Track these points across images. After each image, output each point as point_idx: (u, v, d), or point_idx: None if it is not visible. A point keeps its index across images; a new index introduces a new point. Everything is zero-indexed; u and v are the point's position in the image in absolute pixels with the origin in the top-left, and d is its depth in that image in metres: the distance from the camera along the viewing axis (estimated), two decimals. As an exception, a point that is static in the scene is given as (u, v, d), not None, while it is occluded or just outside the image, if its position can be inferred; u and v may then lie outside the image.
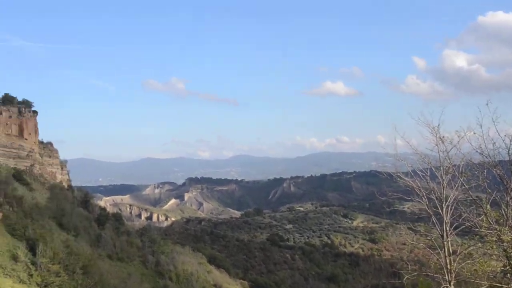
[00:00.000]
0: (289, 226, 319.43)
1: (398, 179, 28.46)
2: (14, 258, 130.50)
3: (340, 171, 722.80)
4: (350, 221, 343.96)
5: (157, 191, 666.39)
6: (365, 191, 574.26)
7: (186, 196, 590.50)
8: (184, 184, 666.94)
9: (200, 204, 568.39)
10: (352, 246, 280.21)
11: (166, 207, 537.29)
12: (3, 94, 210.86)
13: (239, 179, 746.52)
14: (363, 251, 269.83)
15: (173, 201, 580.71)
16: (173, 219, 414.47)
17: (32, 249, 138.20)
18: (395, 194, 32.33)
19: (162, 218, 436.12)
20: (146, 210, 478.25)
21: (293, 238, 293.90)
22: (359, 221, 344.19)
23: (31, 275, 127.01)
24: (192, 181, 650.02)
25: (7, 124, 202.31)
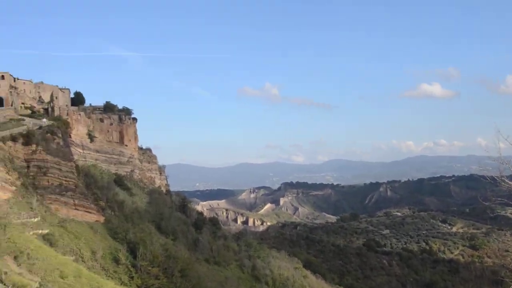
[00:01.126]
0: (386, 231, 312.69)
1: (502, 183, 27.42)
2: (116, 260, 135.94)
3: (438, 175, 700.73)
4: (449, 227, 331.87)
5: (252, 195, 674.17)
6: (465, 195, 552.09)
7: (282, 200, 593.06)
8: (279, 188, 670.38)
9: (296, 209, 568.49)
10: (452, 253, 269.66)
11: (261, 211, 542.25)
12: (104, 102, 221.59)
13: (334, 184, 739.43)
14: (463, 257, 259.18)
15: (268, 205, 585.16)
16: (268, 223, 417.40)
17: (132, 252, 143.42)
18: (499, 199, 30.97)
19: (257, 222, 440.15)
20: (242, 214, 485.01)
21: (390, 244, 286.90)
22: (458, 226, 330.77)
23: (132, 278, 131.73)
24: (288, 186, 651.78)
25: (108, 131, 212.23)
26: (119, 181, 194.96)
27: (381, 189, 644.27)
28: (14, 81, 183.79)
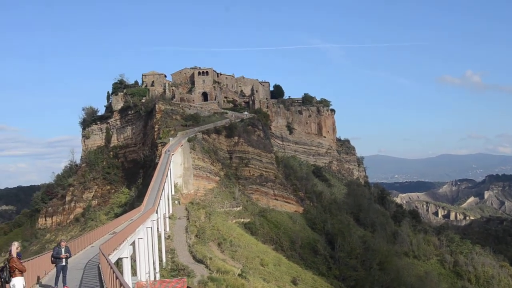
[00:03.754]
0: None
1: None
2: (314, 251, 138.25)
3: None
4: None
5: (454, 188, 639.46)
6: None
7: (486, 194, 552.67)
8: (483, 181, 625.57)
9: (502, 203, 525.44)
10: None
11: (464, 205, 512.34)
12: (303, 94, 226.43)
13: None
14: None
15: (471, 199, 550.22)
16: (471, 218, 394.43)
17: (330, 243, 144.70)
18: None
19: (460, 216, 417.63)
20: (443, 208, 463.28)
21: None
22: None
23: (330, 268, 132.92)
24: (493, 179, 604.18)
25: (307, 123, 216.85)
26: (317, 172, 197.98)
27: None
28: (217, 76, 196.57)
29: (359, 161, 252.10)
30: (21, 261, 19.94)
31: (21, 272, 19.36)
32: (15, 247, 19.99)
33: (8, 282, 19.09)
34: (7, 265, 19.24)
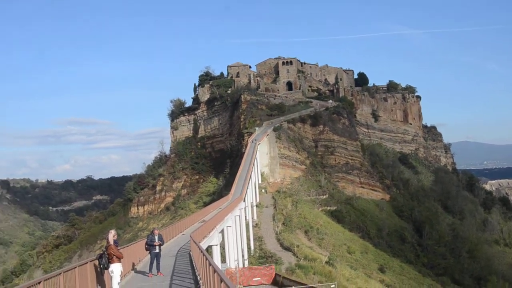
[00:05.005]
0: None
1: None
2: (402, 238, 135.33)
3: None
4: None
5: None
6: None
7: None
8: None
9: None
10: None
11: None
12: (387, 81, 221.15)
13: None
14: None
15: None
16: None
17: (418, 230, 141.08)
18: None
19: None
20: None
21: None
22: None
23: (418, 256, 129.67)
24: None
25: (392, 110, 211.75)
26: (403, 159, 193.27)
27: None
28: (301, 65, 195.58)
29: (446, 148, 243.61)
30: (118, 248, 20.60)
31: (119, 259, 19.98)
32: (112, 235, 20.67)
33: (107, 268, 19.77)
34: (105, 252, 19.92)
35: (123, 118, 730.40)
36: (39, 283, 13.30)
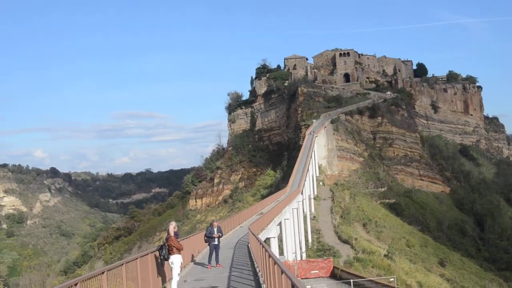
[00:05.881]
0: None
1: None
2: (462, 232, 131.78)
3: None
4: None
5: None
6: None
7: None
8: None
9: None
10: None
11: None
12: (447, 72, 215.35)
13: None
14: None
15: None
16: None
17: (479, 224, 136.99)
18: None
19: None
20: None
21: None
22: None
23: (479, 250, 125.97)
24: None
25: (452, 101, 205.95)
26: (464, 151, 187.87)
27: None
28: (359, 57, 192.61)
29: (509, 139, 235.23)
30: (178, 240, 20.75)
31: (179, 250, 20.11)
32: (172, 227, 20.81)
33: (167, 259, 19.95)
34: (166, 244, 20.11)
35: (180, 111, 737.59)
36: (103, 273, 13.53)
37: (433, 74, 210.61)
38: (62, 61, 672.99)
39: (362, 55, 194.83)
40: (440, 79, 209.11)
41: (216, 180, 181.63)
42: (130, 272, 15.99)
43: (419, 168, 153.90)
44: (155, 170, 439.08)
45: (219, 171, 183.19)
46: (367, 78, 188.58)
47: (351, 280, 46.86)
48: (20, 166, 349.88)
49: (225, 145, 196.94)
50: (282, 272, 10.95)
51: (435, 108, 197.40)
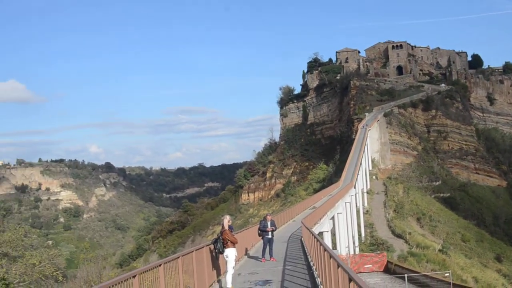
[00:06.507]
0: None
1: None
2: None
3: None
4: None
5: None
6: None
7: None
8: None
9: None
10: None
11: None
12: (503, 63, 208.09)
13: None
14: None
15: None
16: None
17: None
18: None
19: None
20: None
21: None
22: None
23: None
24: None
25: (509, 93, 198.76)
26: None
27: None
28: (412, 49, 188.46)
29: None
30: (233, 233, 20.82)
31: (233, 244, 20.16)
32: (226, 220, 20.87)
33: (222, 252, 20.03)
34: (220, 237, 20.21)
35: (232, 106, 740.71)
36: (160, 265, 13.72)
37: (488, 66, 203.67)
38: (117, 56, 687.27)
39: (415, 47, 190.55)
40: (496, 71, 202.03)
41: (268, 174, 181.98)
42: (185, 265, 16.14)
43: (475, 162, 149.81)
44: (207, 165, 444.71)
45: (272, 165, 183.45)
46: (421, 70, 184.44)
47: (405, 275, 46.10)
48: (76, 161, 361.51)
49: (277, 139, 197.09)
50: (339, 266, 10.77)
51: (491, 100, 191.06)
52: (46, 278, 40.49)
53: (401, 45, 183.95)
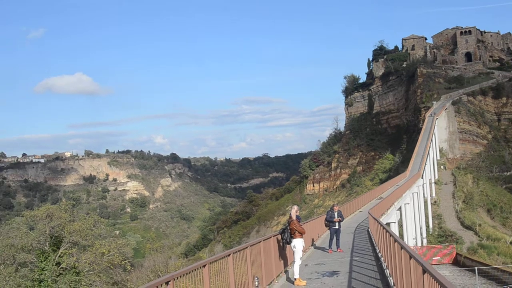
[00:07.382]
0: None
1: None
2: None
3: None
4: None
5: None
6: None
7: None
8: None
9: None
10: None
11: None
12: None
13: None
14: None
15: None
16: None
17: None
18: None
19: None
20: None
21: None
22: None
23: None
24: None
25: None
26: None
27: None
28: (481, 35, 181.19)
29: None
30: (300, 224, 20.73)
31: (301, 234, 20.06)
32: (294, 210, 20.79)
33: (289, 243, 19.98)
34: (288, 227, 20.15)
35: (296, 96, 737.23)
36: (229, 255, 13.84)
37: None
38: (182, 47, 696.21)
39: (484, 32, 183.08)
40: None
41: (333, 165, 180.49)
42: (253, 255, 16.23)
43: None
44: (272, 155, 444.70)
45: (337, 155, 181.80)
46: (491, 56, 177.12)
47: (476, 268, 44.69)
48: (142, 152, 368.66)
49: (342, 129, 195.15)
50: (411, 257, 10.48)
51: None
52: (114, 267, 41.90)
53: (469, 31, 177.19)
